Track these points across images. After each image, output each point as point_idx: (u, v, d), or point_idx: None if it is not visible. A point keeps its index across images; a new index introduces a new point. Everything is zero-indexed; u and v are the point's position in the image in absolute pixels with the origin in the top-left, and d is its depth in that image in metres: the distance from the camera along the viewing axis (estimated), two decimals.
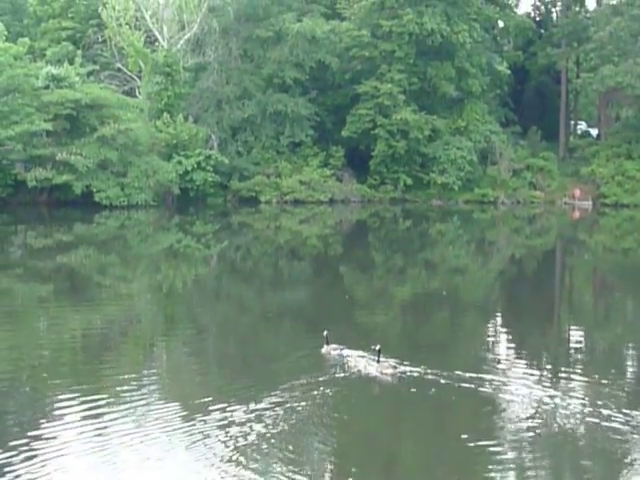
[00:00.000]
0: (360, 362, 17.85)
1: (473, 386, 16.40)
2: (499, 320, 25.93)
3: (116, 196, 59.74)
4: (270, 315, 24.09)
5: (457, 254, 44.40)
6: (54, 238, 45.15)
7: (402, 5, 75.51)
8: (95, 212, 56.65)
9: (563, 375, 18.03)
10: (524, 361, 19.43)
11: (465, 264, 40.73)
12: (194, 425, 14.00)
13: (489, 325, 24.95)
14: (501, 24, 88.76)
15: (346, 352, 18.54)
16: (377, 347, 17.47)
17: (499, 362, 19.04)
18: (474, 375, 17.01)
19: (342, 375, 17.12)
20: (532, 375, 17.80)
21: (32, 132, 58.37)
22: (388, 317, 25.43)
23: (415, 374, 17.12)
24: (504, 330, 24.18)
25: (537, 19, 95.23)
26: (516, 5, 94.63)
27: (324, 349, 18.71)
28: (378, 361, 17.42)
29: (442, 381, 16.67)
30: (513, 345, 21.95)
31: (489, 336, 23.26)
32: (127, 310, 25.93)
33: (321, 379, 16.71)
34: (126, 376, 17.16)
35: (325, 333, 18.80)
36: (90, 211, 56.88)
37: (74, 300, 27.13)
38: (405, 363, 17.74)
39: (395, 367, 17.33)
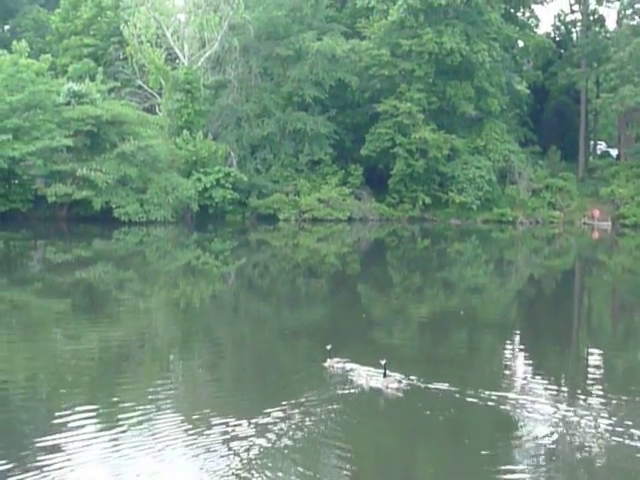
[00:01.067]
0: (364, 376, 17.82)
1: (492, 404, 16.36)
2: (517, 340, 25.77)
3: (135, 212, 59.98)
4: (287, 333, 24.02)
5: (475, 274, 44.25)
6: (73, 253, 45.31)
7: (422, 24, 75.71)
8: (114, 228, 56.88)
9: (582, 394, 17.93)
10: (543, 380, 19.29)
11: (483, 284, 40.59)
12: (201, 439, 14.01)
13: (507, 345, 24.84)
14: (521, 44, 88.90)
15: (349, 366, 18.60)
16: (383, 361, 17.33)
17: (518, 381, 19.02)
18: (493, 393, 16.96)
19: (349, 391, 17.08)
20: (552, 394, 17.72)
21: (53, 148, 58.80)
22: (405, 336, 25.37)
23: (432, 391, 17.08)
24: (523, 350, 24.06)
25: (557, 39, 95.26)
26: (536, 25, 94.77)
27: (327, 363, 18.76)
28: (384, 375, 17.31)
29: (460, 398, 16.64)
30: (532, 364, 21.83)
31: (508, 355, 23.19)
32: (145, 326, 25.96)
33: (330, 394, 16.74)
34: (141, 390, 17.27)
35: (328, 347, 18.87)
36: (109, 227, 57.11)
37: (92, 315, 27.19)
38: (422, 380, 17.72)
39: (400, 382, 17.33)
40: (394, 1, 76.60)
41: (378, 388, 17.22)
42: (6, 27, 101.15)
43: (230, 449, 13.57)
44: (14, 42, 65.90)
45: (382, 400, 16.99)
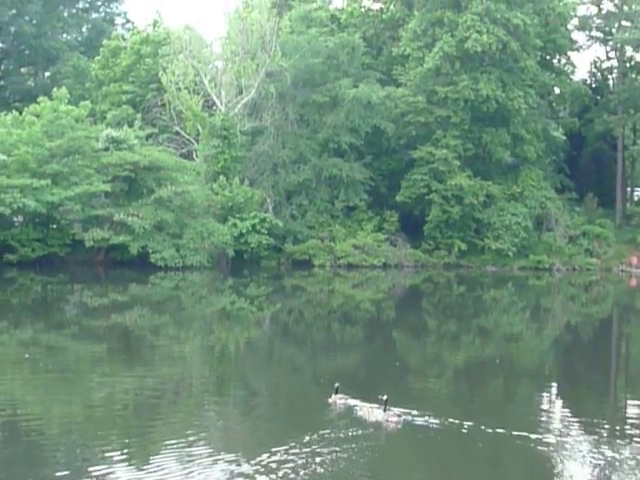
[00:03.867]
0: (366, 410, 18.89)
1: (529, 445, 16.43)
2: (555, 387, 25.56)
3: (171, 257, 60.19)
4: (322, 380, 23.92)
5: (511, 321, 44.00)
6: (109, 298, 45.57)
7: (457, 71, 75.99)
8: (150, 273, 57.11)
9: (621, 439, 17.77)
10: (581, 424, 19.13)
11: (520, 331, 40.34)
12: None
13: (544, 392, 24.63)
14: (557, 90, 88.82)
15: (351, 402, 19.63)
16: (384, 397, 18.41)
17: (555, 425, 18.96)
18: (530, 435, 17.04)
19: (361, 430, 17.44)
20: (589, 437, 17.66)
21: (91, 193, 59.27)
22: (441, 383, 25.23)
23: (466, 431, 17.18)
24: (560, 397, 23.85)
25: (593, 86, 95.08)
26: (572, 72, 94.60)
27: (331, 399, 19.85)
28: (385, 410, 18.33)
29: (495, 439, 16.70)
30: (570, 410, 21.61)
31: (544, 401, 23.07)
32: (179, 370, 25.98)
33: (347, 433, 17.13)
34: (170, 434, 17.38)
35: (336, 385, 19.99)
36: (145, 272, 57.37)
37: (128, 359, 27.32)
38: (455, 421, 17.96)
39: (399, 415, 18.28)
40: (430, 48, 77.01)
41: (379, 422, 18.11)
42: (47, 74, 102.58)
43: None
44: (54, 89, 66.72)
45: (406, 438, 17.44)
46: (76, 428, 18.24)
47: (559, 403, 23.00)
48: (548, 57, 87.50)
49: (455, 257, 75.18)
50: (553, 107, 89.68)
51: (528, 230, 76.51)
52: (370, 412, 18.70)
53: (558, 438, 17.25)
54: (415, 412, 18.62)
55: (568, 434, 17.93)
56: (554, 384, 26.25)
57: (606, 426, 19.37)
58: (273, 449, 15.75)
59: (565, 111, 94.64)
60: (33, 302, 44.16)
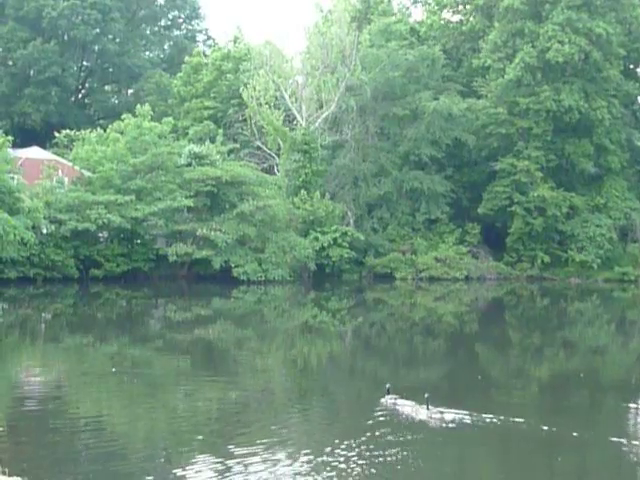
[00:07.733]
0: (411, 409, 20.28)
1: (612, 448, 16.52)
2: None
3: (254, 271, 60.60)
4: (404, 393, 23.83)
5: (596, 334, 43.37)
6: (193, 312, 46.07)
7: (539, 82, 75.36)
8: (233, 287, 57.61)
9: None
10: None
11: (605, 344, 39.73)
12: None
13: (630, 404, 24.19)
14: None
15: (399, 401, 21.05)
16: (426, 395, 19.97)
17: None
18: (614, 440, 17.03)
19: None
20: None
21: (174, 208, 60.00)
22: (524, 395, 25.00)
23: (551, 438, 17.14)
24: None
25: None
26: None
27: (384, 399, 21.34)
28: (428, 408, 19.85)
29: (578, 442, 16.76)
30: None
31: (631, 413, 22.67)
32: (262, 382, 26.18)
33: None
34: (251, 441, 17.63)
35: (387, 386, 21.53)
36: (228, 286, 57.87)
37: (211, 372, 27.57)
38: (541, 428, 18.28)
39: (442, 412, 19.62)
40: (510, 60, 76.51)
41: (424, 419, 19.50)
42: (130, 91, 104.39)
43: None
44: (137, 106, 67.78)
45: (489, 442, 17.96)
46: (160, 433, 18.87)
47: None
48: (632, 66, 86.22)
49: (538, 269, 74.48)
50: (637, 117, 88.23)
51: (613, 241, 75.43)
52: (415, 411, 20.04)
53: None
54: (497, 418, 18.73)
55: None
56: None
57: None
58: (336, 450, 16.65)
59: None
60: (118, 316, 44.82)
